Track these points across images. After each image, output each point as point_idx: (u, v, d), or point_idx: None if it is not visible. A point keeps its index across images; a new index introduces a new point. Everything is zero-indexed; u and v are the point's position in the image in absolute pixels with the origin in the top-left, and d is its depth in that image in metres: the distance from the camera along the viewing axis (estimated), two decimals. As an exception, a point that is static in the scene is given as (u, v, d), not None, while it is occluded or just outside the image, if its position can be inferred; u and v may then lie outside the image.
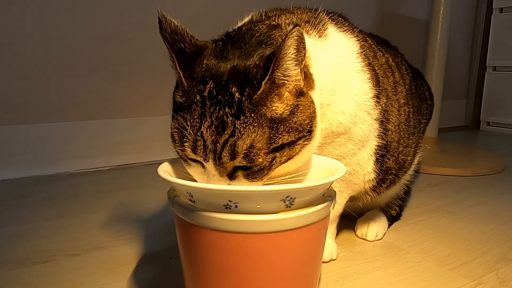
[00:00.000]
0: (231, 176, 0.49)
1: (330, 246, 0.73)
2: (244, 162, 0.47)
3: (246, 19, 0.65)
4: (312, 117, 0.51)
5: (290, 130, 0.49)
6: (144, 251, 0.76)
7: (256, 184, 0.50)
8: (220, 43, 0.54)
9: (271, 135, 0.48)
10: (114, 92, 1.38)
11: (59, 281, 0.65)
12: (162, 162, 0.55)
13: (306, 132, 0.50)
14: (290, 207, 0.46)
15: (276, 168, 0.50)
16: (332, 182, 0.50)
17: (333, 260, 0.72)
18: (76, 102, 1.32)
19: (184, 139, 0.49)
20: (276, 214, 0.45)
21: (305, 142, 0.51)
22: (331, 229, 0.75)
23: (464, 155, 1.69)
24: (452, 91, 2.38)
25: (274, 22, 0.59)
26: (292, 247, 0.47)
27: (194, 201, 0.47)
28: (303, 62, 0.50)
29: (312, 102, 0.52)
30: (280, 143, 0.48)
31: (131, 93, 1.41)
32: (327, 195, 0.52)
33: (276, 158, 0.49)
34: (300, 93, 0.50)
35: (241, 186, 0.49)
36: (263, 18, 0.62)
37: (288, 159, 0.50)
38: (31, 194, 1.09)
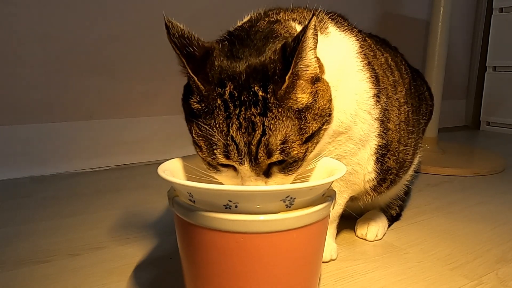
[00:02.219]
0: (267, 173, 0.50)
1: (330, 246, 0.73)
2: (280, 157, 0.47)
3: (245, 19, 0.65)
4: (330, 100, 0.53)
5: (316, 117, 0.50)
6: (144, 251, 0.76)
7: (291, 178, 0.51)
8: (226, 42, 0.53)
9: (301, 126, 0.48)
10: (114, 92, 1.38)
11: (59, 281, 0.65)
12: (162, 162, 0.55)
13: (327, 116, 0.52)
14: (290, 207, 0.46)
15: (308, 157, 0.51)
16: (332, 182, 0.50)
17: (333, 260, 0.72)
18: (76, 102, 1.32)
19: (214, 147, 0.48)
20: (276, 214, 0.45)
21: (327, 126, 0.53)
22: (331, 229, 0.75)
23: (464, 155, 1.69)
24: (452, 91, 2.38)
25: (273, 18, 0.60)
26: (292, 247, 0.47)
27: (194, 201, 0.47)
28: (316, 48, 0.50)
29: (328, 85, 0.53)
30: (310, 132, 0.49)
31: (131, 93, 1.41)
32: (327, 195, 0.52)
33: (309, 148, 0.50)
34: (316, 79, 0.51)
35: (241, 186, 0.49)
36: (262, 16, 0.62)
37: (316, 145, 0.52)
38: (31, 194, 1.09)
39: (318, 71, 0.51)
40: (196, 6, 1.44)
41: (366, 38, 0.74)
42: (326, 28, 0.63)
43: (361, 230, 0.83)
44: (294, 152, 0.48)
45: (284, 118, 0.47)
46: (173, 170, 0.56)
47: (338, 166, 0.56)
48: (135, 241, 0.80)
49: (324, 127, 0.52)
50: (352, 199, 0.77)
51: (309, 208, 0.47)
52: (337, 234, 0.79)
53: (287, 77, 0.47)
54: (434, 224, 0.92)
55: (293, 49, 0.46)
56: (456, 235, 0.86)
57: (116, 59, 1.36)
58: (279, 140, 0.47)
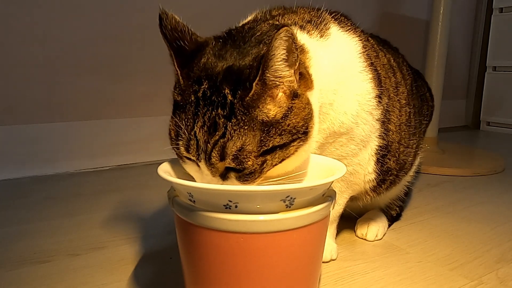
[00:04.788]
0: (224, 176, 0.49)
1: (330, 246, 0.73)
2: (233, 164, 0.47)
3: (250, 18, 0.65)
4: (307, 118, 0.51)
5: (283, 133, 0.48)
6: (144, 251, 0.76)
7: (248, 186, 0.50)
8: (221, 40, 0.54)
9: (262, 138, 0.47)
10: (114, 92, 1.38)
11: (59, 281, 0.65)
12: (162, 162, 0.55)
13: (300, 133, 0.50)
14: (290, 207, 0.46)
15: (268, 170, 0.49)
16: (332, 182, 0.50)
17: (333, 260, 0.72)
18: (76, 102, 1.32)
19: (179, 138, 0.49)
20: (276, 214, 0.45)
21: (300, 143, 0.50)
22: (331, 229, 0.75)
23: (464, 155, 1.69)
24: (452, 91, 2.38)
25: (277, 22, 0.59)
26: (292, 247, 0.47)
27: (194, 201, 0.47)
28: (297, 63, 0.49)
29: (308, 103, 0.52)
30: (270, 145, 0.48)
31: (131, 93, 1.41)
32: (327, 195, 0.52)
33: (267, 161, 0.48)
34: (294, 95, 0.50)
35: (241, 186, 0.49)
36: (267, 17, 0.62)
37: (282, 161, 0.50)
38: (31, 194, 1.09)
39: (294, 86, 0.50)
40: (197, 6, 1.44)
41: (369, 38, 0.74)
42: (328, 29, 0.63)
43: (361, 230, 0.83)
44: (249, 162, 0.47)
45: (246, 126, 0.47)
46: (173, 170, 0.56)
47: (338, 166, 0.56)
48: (135, 241, 0.80)
49: (295, 144, 0.50)
50: (352, 199, 0.77)
51: (309, 208, 0.47)
52: (337, 234, 0.79)
53: (254, 84, 0.46)
54: (434, 224, 0.92)
55: (262, 56, 0.46)
56: (456, 235, 0.86)
57: (116, 59, 1.36)
58: (235, 147, 0.46)
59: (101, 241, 0.80)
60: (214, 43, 0.53)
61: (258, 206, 0.44)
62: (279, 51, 0.46)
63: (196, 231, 0.47)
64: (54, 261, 0.72)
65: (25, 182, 1.20)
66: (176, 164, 0.56)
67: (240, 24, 0.62)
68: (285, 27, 0.45)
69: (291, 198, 0.45)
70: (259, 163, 0.48)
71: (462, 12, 2.37)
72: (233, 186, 0.49)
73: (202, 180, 0.50)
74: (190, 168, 0.52)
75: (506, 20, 2.24)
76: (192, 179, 0.52)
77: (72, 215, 0.94)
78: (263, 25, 0.57)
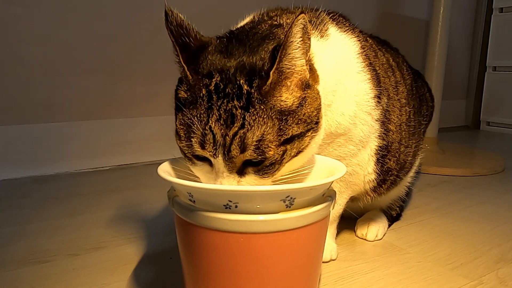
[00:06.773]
0: (241, 172, 0.48)
1: (330, 246, 0.73)
2: (254, 155, 0.46)
3: (248, 19, 0.65)
4: (318, 109, 0.52)
5: (299, 122, 0.49)
6: (145, 251, 0.76)
7: (266, 181, 0.49)
8: (225, 39, 0.54)
9: (281, 126, 0.47)
10: (114, 92, 1.38)
11: (59, 281, 0.65)
12: (162, 162, 0.55)
13: (314, 123, 0.51)
14: (290, 207, 0.46)
15: (286, 162, 0.49)
16: (332, 182, 0.50)
17: (333, 260, 0.72)
18: (76, 102, 1.32)
19: (191, 135, 0.48)
20: (276, 214, 0.45)
21: (313, 134, 0.51)
22: (331, 229, 0.75)
23: (464, 155, 1.69)
24: (452, 91, 2.38)
25: (276, 22, 0.59)
26: (292, 247, 0.47)
27: (194, 201, 0.47)
28: (308, 54, 0.50)
29: (318, 94, 0.53)
30: (290, 134, 0.48)
31: (131, 93, 1.41)
32: (327, 195, 0.52)
33: (287, 151, 0.48)
34: (306, 86, 0.51)
35: (241, 186, 0.49)
36: (265, 18, 0.62)
37: (298, 153, 0.50)
38: (31, 194, 1.09)
39: (307, 76, 0.50)
40: (197, 6, 1.44)
41: (368, 38, 0.74)
42: (326, 30, 0.63)
43: (361, 230, 0.83)
44: (270, 152, 0.47)
45: (265, 116, 0.47)
46: (173, 170, 0.56)
47: (338, 166, 0.56)
48: (135, 241, 0.80)
49: (309, 134, 0.50)
50: (352, 199, 0.77)
51: (309, 208, 0.47)
52: (337, 234, 0.79)
53: (271, 72, 0.47)
54: (434, 224, 0.92)
55: (279, 45, 0.47)
56: (456, 235, 0.86)
57: (116, 59, 1.36)
58: (256, 137, 0.46)
59: (101, 241, 0.80)
60: (218, 41, 0.54)
61: (258, 206, 0.44)
62: (296, 39, 0.47)
63: (196, 231, 0.47)
64: (54, 261, 0.72)
65: (25, 182, 1.20)
66: (176, 164, 0.56)
67: (238, 26, 0.62)
68: (302, 14, 0.45)
69: (291, 198, 0.45)
70: (280, 153, 0.48)
71: (462, 12, 2.37)
72: (233, 186, 0.49)
73: (216, 181, 0.49)
74: (201, 169, 0.51)
75: (506, 20, 2.24)
76: (192, 179, 0.52)
77: (72, 215, 0.94)
78: (263, 25, 0.58)
